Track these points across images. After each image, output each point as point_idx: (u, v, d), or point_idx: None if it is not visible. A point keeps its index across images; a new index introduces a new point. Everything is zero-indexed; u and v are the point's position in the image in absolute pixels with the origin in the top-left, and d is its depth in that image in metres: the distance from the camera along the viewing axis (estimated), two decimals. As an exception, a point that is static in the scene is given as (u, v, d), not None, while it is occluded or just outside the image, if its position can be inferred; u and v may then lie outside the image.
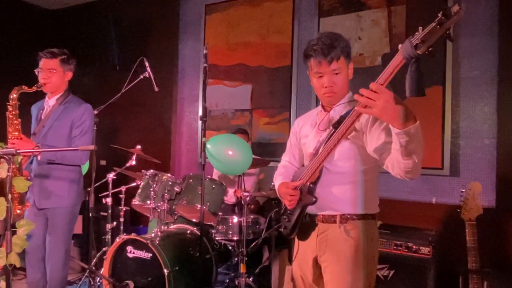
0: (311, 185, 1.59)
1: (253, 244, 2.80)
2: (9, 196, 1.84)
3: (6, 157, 1.85)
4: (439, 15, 1.12)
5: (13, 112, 2.38)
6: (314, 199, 1.56)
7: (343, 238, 1.58)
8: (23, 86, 2.38)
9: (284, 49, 3.98)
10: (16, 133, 2.35)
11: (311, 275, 1.68)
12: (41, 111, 2.58)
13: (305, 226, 1.67)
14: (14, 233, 1.83)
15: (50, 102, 2.56)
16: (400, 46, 1.22)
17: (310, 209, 1.64)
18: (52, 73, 2.49)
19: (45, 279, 2.51)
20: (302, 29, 3.88)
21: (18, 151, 1.90)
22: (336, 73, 1.58)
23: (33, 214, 2.43)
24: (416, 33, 1.17)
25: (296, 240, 1.76)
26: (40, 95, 2.63)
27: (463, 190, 2.43)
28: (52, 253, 2.46)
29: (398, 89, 1.36)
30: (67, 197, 2.49)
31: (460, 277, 2.46)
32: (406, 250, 2.59)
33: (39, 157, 2.39)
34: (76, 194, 2.55)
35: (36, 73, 2.52)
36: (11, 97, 2.37)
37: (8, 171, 1.85)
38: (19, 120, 2.40)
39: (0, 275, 1.89)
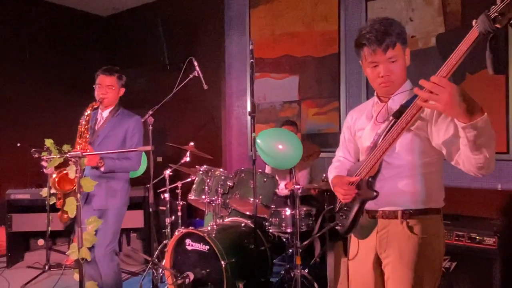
0: (370, 179, 1.50)
1: (307, 242, 2.80)
2: (78, 195, 2.01)
3: (73, 159, 2.02)
4: None
5: (86, 126, 2.58)
6: (375, 193, 1.47)
7: (406, 235, 1.49)
8: (94, 103, 2.62)
9: (331, 37, 3.90)
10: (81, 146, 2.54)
11: (371, 274, 1.60)
12: (94, 122, 2.77)
13: (364, 223, 1.58)
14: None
15: (103, 114, 2.77)
16: (474, 21, 1.13)
17: (369, 205, 1.55)
18: (111, 89, 2.71)
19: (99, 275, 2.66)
20: (349, 15, 3.77)
21: (83, 153, 2.06)
22: (393, 61, 1.47)
23: (85, 212, 2.55)
24: (493, 6, 1.08)
25: (354, 238, 1.68)
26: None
27: (532, 177, 2.26)
28: (100, 249, 2.59)
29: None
30: (119, 198, 2.70)
31: (530, 269, 2.30)
32: (469, 241, 2.46)
33: (102, 169, 2.57)
34: (126, 195, 2.77)
35: (94, 87, 2.73)
36: (86, 113, 2.58)
37: (76, 172, 2.02)
38: (89, 133, 2.61)
39: (73, 268, 2.07)
